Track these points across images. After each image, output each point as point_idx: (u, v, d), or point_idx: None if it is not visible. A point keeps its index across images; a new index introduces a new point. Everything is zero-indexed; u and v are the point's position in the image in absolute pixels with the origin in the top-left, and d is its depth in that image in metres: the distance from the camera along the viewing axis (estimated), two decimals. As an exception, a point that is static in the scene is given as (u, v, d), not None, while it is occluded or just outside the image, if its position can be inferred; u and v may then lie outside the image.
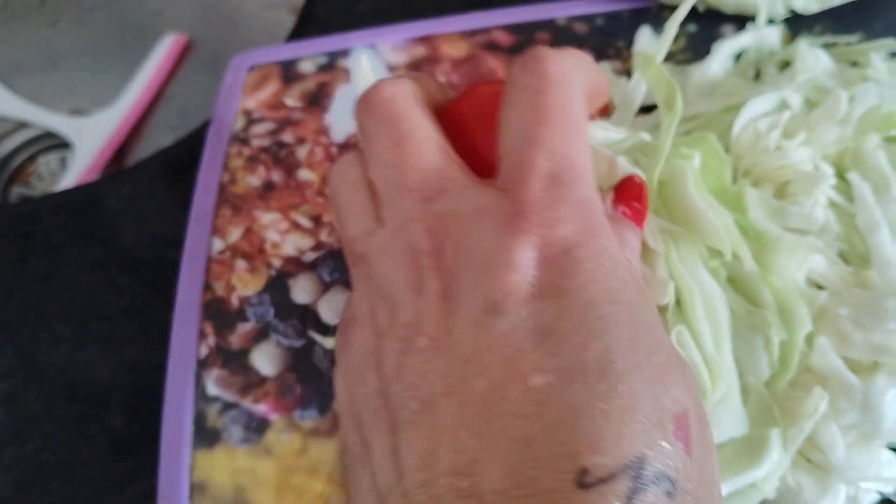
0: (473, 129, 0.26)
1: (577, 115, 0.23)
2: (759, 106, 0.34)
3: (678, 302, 0.29)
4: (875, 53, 0.38)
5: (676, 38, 0.44)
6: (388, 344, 0.22)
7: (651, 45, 0.43)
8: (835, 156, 0.34)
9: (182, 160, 0.43)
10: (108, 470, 0.35)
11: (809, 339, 0.30)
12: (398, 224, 0.23)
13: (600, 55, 0.44)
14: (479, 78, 0.43)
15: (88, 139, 0.72)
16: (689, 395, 0.20)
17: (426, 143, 0.23)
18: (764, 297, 0.29)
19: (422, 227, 0.22)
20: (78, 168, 0.69)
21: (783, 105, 0.35)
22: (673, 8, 0.45)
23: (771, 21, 0.43)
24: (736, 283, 0.30)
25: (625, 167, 0.32)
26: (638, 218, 0.27)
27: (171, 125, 0.76)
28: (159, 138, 0.75)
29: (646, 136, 0.33)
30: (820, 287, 0.32)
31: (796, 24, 0.44)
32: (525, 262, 0.20)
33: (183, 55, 0.80)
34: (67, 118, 0.74)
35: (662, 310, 0.29)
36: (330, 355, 0.34)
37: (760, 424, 0.29)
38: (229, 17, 0.79)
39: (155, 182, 0.43)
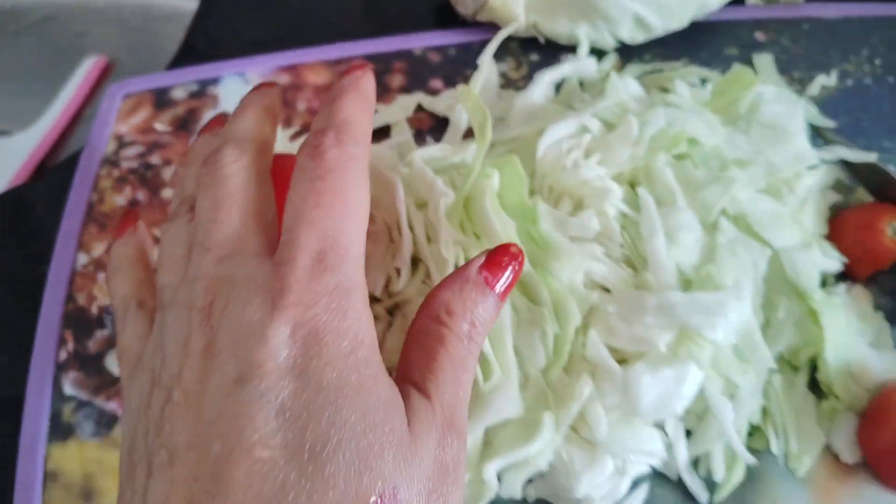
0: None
1: (353, 202, 0.25)
2: (559, 130, 0.39)
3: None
4: (679, 80, 0.43)
5: (519, 67, 0.49)
6: (156, 393, 0.23)
7: (494, 73, 0.47)
8: (629, 173, 0.39)
9: (63, 182, 0.46)
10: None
11: (585, 333, 0.34)
12: (189, 278, 0.25)
13: (450, 82, 0.48)
14: (340, 103, 0.47)
15: (10, 159, 0.74)
16: (402, 470, 0.22)
17: (238, 206, 0.26)
18: (542, 296, 0.34)
19: (203, 285, 0.24)
20: (1, 188, 0.71)
21: (584, 129, 0.40)
22: (519, 40, 0.49)
23: (602, 51, 0.48)
24: (520, 285, 0.34)
25: (441, 188, 0.36)
26: (498, 283, 0.26)
27: (92, 146, 0.78)
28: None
29: (457, 158, 0.37)
30: (605, 288, 0.36)
31: (628, 53, 0.49)
32: (277, 338, 0.22)
33: (103, 76, 0.82)
34: (-10, 138, 0.76)
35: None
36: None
37: (537, 408, 0.33)
38: (149, 40, 0.82)
39: (36, 203, 0.46)
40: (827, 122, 0.45)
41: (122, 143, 0.46)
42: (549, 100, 0.44)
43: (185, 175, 0.30)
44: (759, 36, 0.49)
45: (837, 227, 0.40)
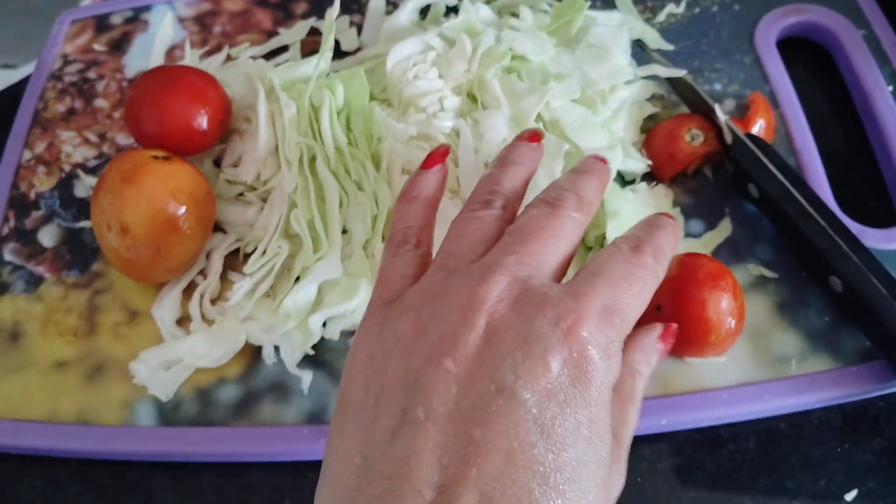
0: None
1: (644, 299, 0.28)
2: (404, 48, 0.46)
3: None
4: (524, 7, 0.49)
5: (408, -4, 0.55)
6: (421, 345, 0.25)
7: (381, 1, 0.54)
8: (466, 84, 0.46)
9: (17, 95, 0.55)
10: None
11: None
12: (487, 262, 0.27)
13: (346, 10, 0.55)
14: (251, 27, 0.55)
15: None
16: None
17: (559, 244, 0.29)
18: (365, 184, 0.41)
19: (501, 275, 0.26)
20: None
21: (429, 47, 0.46)
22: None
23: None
24: (347, 176, 0.42)
25: (284, 101, 0.43)
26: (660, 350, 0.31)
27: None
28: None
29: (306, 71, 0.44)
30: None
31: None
32: (558, 360, 0.24)
33: None
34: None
35: (294, 194, 0.41)
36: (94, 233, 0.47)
37: (357, 274, 0.41)
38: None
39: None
40: (666, 46, 0.51)
41: (66, 60, 0.55)
42: (413, 23, 0.51)
43: (501, 174, 0.33)
44: (623, -33, 0.55)
45: (651, 135, 0.46)
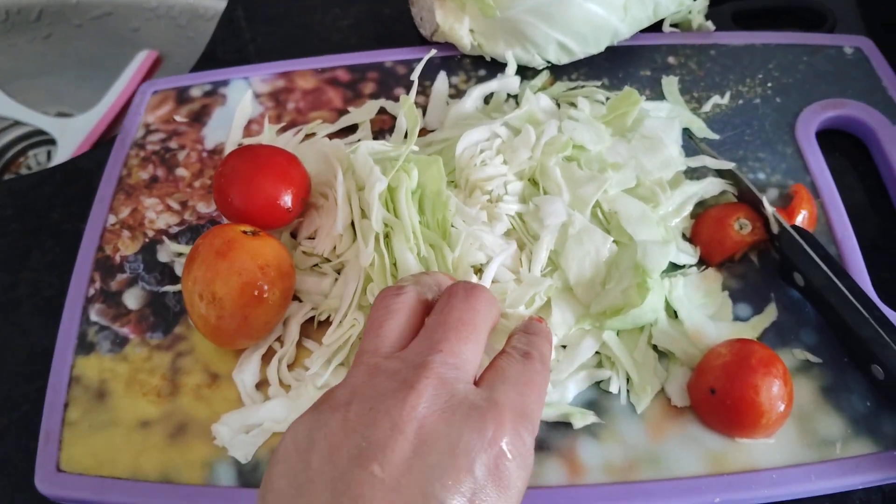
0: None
1: (543, 398, 0.32)
2: (473, 135, 0.49)
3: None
4: (583, 98, 0.53)
5: (469, 80, 0.59)
6: (348, 445, 0.26)
7: (445, 85, 0.58)
8: (529, 170, 0.49)
9: (103, 159, 0.59)
10: (23, 370, 0.50)
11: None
12: (420, 359, 0.29)
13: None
14: (323, 105, 0.59)
15: (71, 137, 0.86)
16: None
17: (478, 336, 0.32)
18: (432, 266, 0.44)
19: (433, 381, 0.28)
20: (61, 161, 0.83)
21: (495, 134, 0.50)
22: (471, 58, 0.60)
23: (534, 69, 0.58)
24: (423, 260, 0.45)
25: (377, 175, 0.47)
26: None
27: (143, 127, 0.90)
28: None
29: (394, 153, 0.48)
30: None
31: (559, 72, 0.59)
32: (483, 473, 0.26)
33: (153, 68, 0.94)
34: (54, 119, 0.89)
35: (371, 269, 0.44)
36: (176, 297, 0.50)
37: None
38: (195, 36, 0.94)
39: (78, 176, 0.59)
40: (711, 135, 0.54)
41: (148, 130, 0.58)
42: (478, 109, 0.54)
43: (418, 275, 0.37)
44: (671, 60, 0.59)
45: (699, 221, 0.50)
